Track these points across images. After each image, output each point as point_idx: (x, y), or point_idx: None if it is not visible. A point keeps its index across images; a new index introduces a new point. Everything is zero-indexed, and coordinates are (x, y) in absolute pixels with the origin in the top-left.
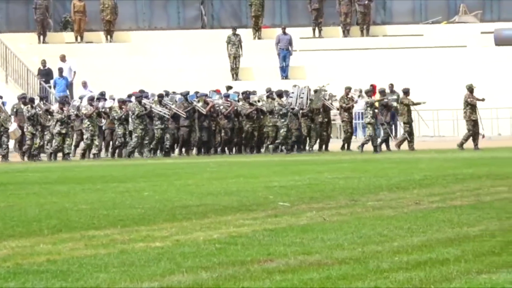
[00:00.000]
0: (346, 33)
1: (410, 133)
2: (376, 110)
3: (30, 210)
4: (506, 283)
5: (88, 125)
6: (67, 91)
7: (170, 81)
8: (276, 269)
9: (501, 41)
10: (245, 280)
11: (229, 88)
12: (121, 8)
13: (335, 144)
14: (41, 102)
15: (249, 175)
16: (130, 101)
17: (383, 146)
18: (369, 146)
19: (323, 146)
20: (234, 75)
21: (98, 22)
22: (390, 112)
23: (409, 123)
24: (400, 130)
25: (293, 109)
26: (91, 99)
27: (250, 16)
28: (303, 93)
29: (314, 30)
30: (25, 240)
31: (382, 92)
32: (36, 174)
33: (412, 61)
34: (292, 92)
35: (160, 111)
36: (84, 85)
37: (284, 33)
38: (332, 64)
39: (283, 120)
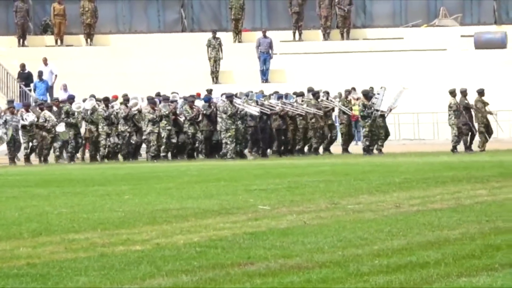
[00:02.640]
0: (326, 36)
1: (486, 133)
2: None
3: (9, 213)
4: (486, 286)
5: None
6: (47, 95)
7: (150, 84)
8: (257, 273)
9: (481, 44)
10: (225, 284)
11: (210, 91)
12: (101, 11)
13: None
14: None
15: (229, 179)
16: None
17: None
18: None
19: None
20: (214, 79)
21: (78, 26)
22: (468, 113)
23: (483, 123)
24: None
25: (377, 110)
26: (126, 100)
27: (230, 19)
28: (378, 94)
29: (294, 33)
30: (5, 243)
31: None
32: (16, 177)
33: (392, 64)
34: (378, 93)
35: (251, 109)
36: (64, 88)
37: (265, 36)
38: (312, 67)
39: (365, 121)
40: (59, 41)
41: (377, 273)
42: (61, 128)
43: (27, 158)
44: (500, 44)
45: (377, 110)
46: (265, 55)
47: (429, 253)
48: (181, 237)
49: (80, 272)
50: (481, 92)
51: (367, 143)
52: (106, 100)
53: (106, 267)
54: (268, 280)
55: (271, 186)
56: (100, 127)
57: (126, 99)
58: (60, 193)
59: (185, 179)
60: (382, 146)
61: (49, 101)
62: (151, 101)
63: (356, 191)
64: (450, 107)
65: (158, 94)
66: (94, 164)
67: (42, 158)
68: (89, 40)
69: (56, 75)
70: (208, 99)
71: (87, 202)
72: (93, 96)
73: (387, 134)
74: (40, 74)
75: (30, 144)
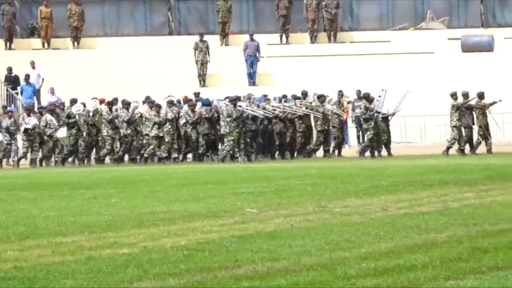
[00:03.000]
0: (313, 39)
1: (484, 137)
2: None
3: None
4: None
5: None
6: (34, 98)
7: (137, 87)
8: (244, 276)
9: (468, 47)
10: (212, 287)
11: (197, 94)
12: (88, 14)
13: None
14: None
15: (216, 182)
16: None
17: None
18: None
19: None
20: (202, 82)
21: (65, 29)
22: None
23: (484, 126)
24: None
25: (378, 113)
26: (127, 104)
27: (217, 22)
28: (379, 96)
29: (281, 36)
30: None
31: (465, 95)
32: (3, 181)
33: (379, 67)
34: (379, 96)
35: (256, 113)
36: (51, 91)
37: (252, 39)
38: (299, 70)
39: (368, 123)
40: (46, 44)
41: (365, 276)
42: (62, 133)
43: (18, 161)
44: (487, 47)
45: (378, 112)
46: (252, 58)
47: (416, 256)
48: (168, 240)
49: (67, 275)
50: (481, 96)
51: (367, 145)
52: (110, 104)
53: (93, 270)
54: (255, 283)
55: (259, 189)
56: (104, 131)
57: (127, 103)
58: (47, 196)
59: (173, 182)
60: (389, 149)
61: (36, 104)
62: (157, 105)
63: (343, 194)
64: (453, 108)
65: (147, 98)
66: (84, 167)
67: (45, 163)
68: (76, 43)
69: (43, 79)
70: (208, 103)
71: (74, 205)
72: (95, 98)
73: (389, 139)
74: (27, 77)
75: (30, 148)
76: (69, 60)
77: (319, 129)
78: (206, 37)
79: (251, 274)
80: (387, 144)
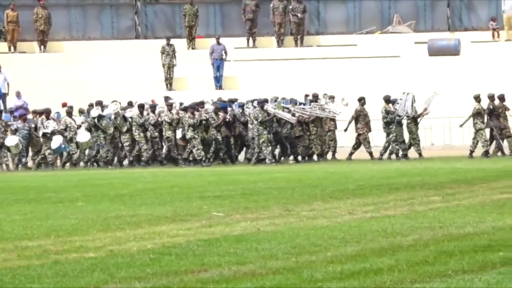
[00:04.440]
0: (280, 43)
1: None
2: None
3: None
4: None
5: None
6: (0, 102)
7: (104, 91)
8: (210, 279)
9: (434, 51)
10: None
11: (166, 98)
12: (55, 18)
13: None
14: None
15: (183, 185)
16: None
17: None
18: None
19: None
20: (168, 85)
21: (31, 32)
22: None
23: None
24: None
25: (399, 116)
26: (153, 107)
27: (184, 26)
28: (407, 100)
29: (248, 40)
30: None
31: (491, 97)
32: None
33: (346, 71)
34: (400, 99)
35: (285, 116)
36: (18, 95)
37: (218, 43)
38: (266, 74)
39: (390, 127)
40: (12, 48)
41: (331, 279)
42: (83, 137)
43: (45, 164)
44: (454, 51)
45: (399, 116)
46: (219, 61)
47: (382, 259)
48: (134, 244)
49: (33, 279)
50: (501, 98)
51: (396, 148)
52: (141, 107)
53: (60, 274)
54: (222, 286)
55: (225, 193)
56: (136, 133)
57: (152, 106)
58: (13, 200)
59: (139, 186)
60: (420, 151)
61: (1, 108)
62: (191, 106)
63: (310, 198)
64: (478, 112)
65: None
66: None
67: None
68: (42, 47)
69: (8, 83)
70: (225, 106)
71: (40, 209)
72: (115, 100)
73: (415, 141)
74: None
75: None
76: (36, 64)
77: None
78: (173, 41)
79: (217, 277)
80: (414, 146)
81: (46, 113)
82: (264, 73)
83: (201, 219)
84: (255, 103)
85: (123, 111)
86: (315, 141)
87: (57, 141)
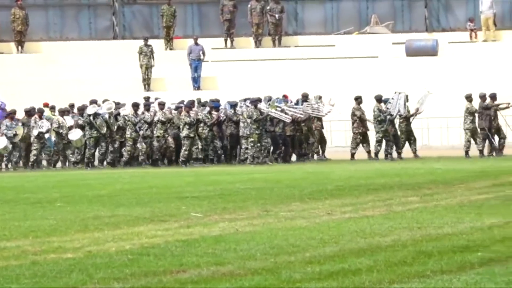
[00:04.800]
0: (258, 43)
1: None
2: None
3: None
4: None
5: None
6: None
7: (81, 92)
8: (189, 280)
9: (412, 51)
10: None
11: (147, 99)
12: (32, 18)
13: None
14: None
15: (161, 186)
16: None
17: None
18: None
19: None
20: (146, 86)
21: (9, 33)
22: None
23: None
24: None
25: (391, 115)
26: (162, 105)
27: (161, 26)
28: (399, 99)
29: (226, 40)
30: None
31: (483, 97)
32: None
33: (324, 71)
34: (392, 98)
35: (281, 115)
36: None
37: (196, 43)
38: (244, 74)
39: (380, 126)
40: None
41: (309, 280)
42: (75, 135)
43: (37, 164)
44: (431, 51)
45: (391, 115)
46: (196, 62)
47: (361, 260)
48: (113, 244)
49: (11, 280)
50: (493, 97)
51: (383, 148)
52: (136, 106)
53: (38, 275)
54: (201, 287)
55: (204, 193)
56: (128, 132)
57: (161, 103)
58: None
59: (117, 187)
60: (415, 150)
61: None
62: (187, 105)
63: (288, 198)
64: (468, 112)
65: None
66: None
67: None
68: (20, 47)
69: None
70: (218, 105)
71: (18, 210)
72: (107, 99)
73: (409, 140)
74: None
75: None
76: (13, 64)
77: (356, 131)
78: (150, 41)
79: (196, 278)
80: (411, 145)
81: (39, 112)
82: (242, 74)
83: (180, 219)
84: (248, 102)
85: (116, 110)
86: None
87: (77, 134)
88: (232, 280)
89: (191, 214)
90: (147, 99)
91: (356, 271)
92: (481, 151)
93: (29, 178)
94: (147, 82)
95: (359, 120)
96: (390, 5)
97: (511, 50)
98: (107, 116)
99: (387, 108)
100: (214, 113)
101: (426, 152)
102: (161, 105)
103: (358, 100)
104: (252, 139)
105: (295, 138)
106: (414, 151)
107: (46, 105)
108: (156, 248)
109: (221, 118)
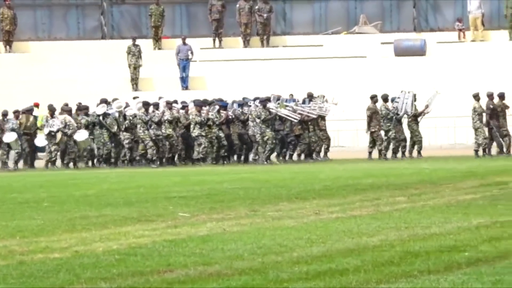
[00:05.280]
0: (246, 43)
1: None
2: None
3: None
4: None
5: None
6: None
7: (70, 91)
8: (176, 280)
9: (400, 51)
10: None
11: (135, 98)
12: (20, 18)
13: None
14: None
15: (149, 186)
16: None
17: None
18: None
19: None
20: (134, 86)
21: None
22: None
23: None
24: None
25: (398, 114)
26: (169, 104)
27: (150, 26)
28: (407, 98)
29: (214, 40)
30: None
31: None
32: None
33: (312, 71)
34: (399, 97)
35: (289, 115)
36: None
37: (184, 43)
38: (232, 74)
39: (388, 124)
40: None
41: (297, 280)
42: (81, 136)
43: (52, 162)
44: (420, 51)
45: (397, 114)
46: (185, 62)
47: (348, 260)
48: (100, 244)
49: None
50: (501, 96)
51: (384, 147)
52: (146, 104)
53: (25, 275)
54: (188, 287)
55: (191, 193)
56: (141, 131)
57: (169, 103)
58: None
59: (105, 186)
60: (420, 150)
61: None
62: (197, 104)
63: (276, 198)
64: (474, 111)
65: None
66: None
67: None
68: (8, 47)
69: None
70: (225, 104)
71: (6, 210)
72: (116, 98)
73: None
74: None
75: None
76: (1, 64)
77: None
78: (138, 41)
79: (183, 278)
80: (416, 145)
81: (50, 111)
82: (230, 74)
83: (167, 219)
84: (257, 102)
85: (124, 110)
86: (313, 138)
87: (83, 135)
88: (220, 280)
89: (178, 214)
90: (135, 99)
91: (343, 271)
92: (485, 150)
93: (16, 178)
94: (135, 81)
95: (375, 119)
96: (379, 5)
97: (499, 50)
98: (116, 114)
99: (394, 107)
100: (223, 112)
101: (414, 152)
102: (169, 104)
103: (374, 99)
104: (267, 137)
105: (302, 137)
106: (417, 151)
107: (36, 105)
108: (143, 248)
109: (230, 117)
